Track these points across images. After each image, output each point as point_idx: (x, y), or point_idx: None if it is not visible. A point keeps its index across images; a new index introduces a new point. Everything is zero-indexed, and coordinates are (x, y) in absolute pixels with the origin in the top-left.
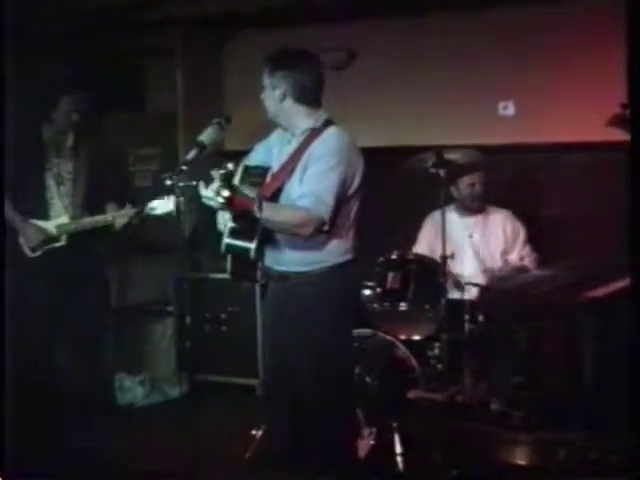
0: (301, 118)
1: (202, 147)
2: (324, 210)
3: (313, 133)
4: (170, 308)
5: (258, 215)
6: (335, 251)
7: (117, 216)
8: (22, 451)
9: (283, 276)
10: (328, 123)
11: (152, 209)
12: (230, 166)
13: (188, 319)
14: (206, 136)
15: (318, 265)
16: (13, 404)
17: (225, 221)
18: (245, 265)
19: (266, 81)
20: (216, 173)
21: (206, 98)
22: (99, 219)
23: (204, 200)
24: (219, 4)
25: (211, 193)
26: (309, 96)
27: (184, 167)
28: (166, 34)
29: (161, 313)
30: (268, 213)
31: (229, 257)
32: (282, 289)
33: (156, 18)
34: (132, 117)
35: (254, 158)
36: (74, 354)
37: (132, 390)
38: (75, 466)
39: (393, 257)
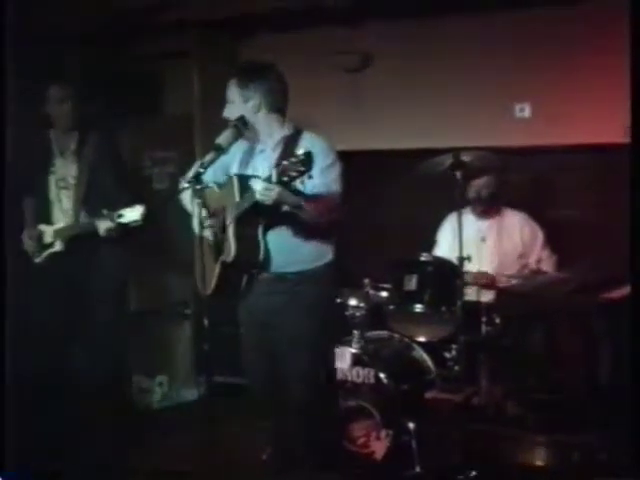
0: (275, 127)
1: (220, 150)
2: (339, 199)
3: (290, 139)
4: (188, 311)
5: (304, 206)
6: (330, 248)
7: (95, 221)
8: (36, 452)
9: (280, 278)
10: (299, 130)
11: (120, 216)
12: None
13: (206, 321)
14: (224, 139)
15: (316, 263)
16: (28, 406)
17: (211, 229)
18: (233, 277)
19: (235, 95)
20: (294, 158)
21: (223, 101)
22: (84, 225)
23: (263, 194)
24: (235, 7)
25: (273, 188)
26: (281, 105)
27: (202, 170)
28: (182, 37)
29: (179, 316)
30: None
31: (218, 272)
32: (279, 291)
33: (172, 21)
34: (149, 120)
35: (209, 177)
36: (92, 356)
37: (150, 392)
38: (91, 468)
39: (410, 259)
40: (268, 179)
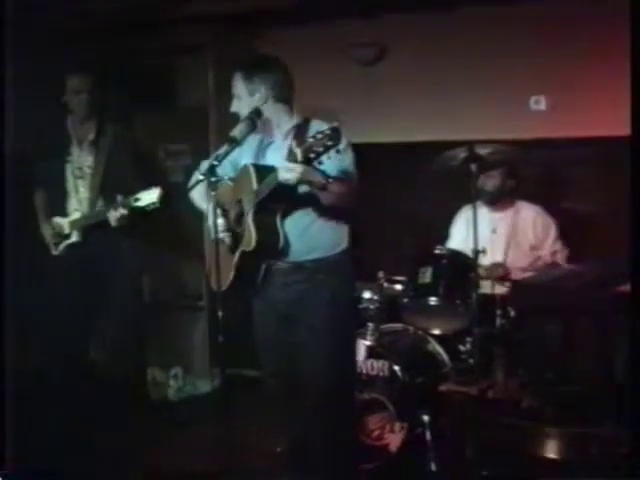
0: (283, 117)
1: (235, 142)
2: (356, 182)
3: (300, 128)
4: (203, 302)
5: (327, 185)
6: (345, 236)
7: (108, 209)
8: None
9: (298, 267)
10: (307, 119)
11: (136, 200)
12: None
13: (221, 313)
14: (238, 131)
15: (333, 251)
16: (33, 403)
17: (223, 226)
18: (251, 268)
19: (241, 90)
20: (319, 134)
21: None
22: (98, 213)
23: (287, 173)
24: (249, 0)
25: (297, 167)
26: (288, 95)
27: (216, 162)
28: (198, 30)
29: (194, 308)
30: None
31: (235, 264)
32: (298, 280)
33: (188, 15)
34: (164, 113)
35: (221, 172)
36: (107, 349)
37: (165, 384)
38: (105, 461)
39: (424, 252)
40: (292, 158)
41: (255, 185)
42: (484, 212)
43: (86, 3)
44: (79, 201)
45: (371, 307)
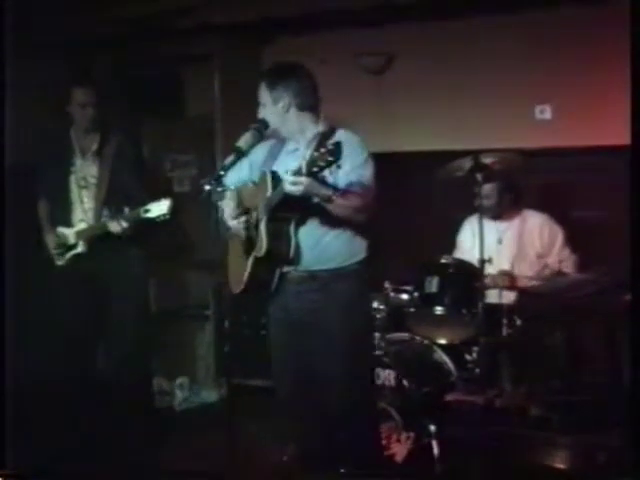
0: (307, 124)
1: (240, 152)
2: (371, 196)
3: (323, 137)
4: (209, 312)
5: (334, 198)
6: (362, 246)
7: (113, 221)
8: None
9: (311, 276)
10: (333, 128)
11: (146, 211)
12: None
13: (227, 323)
14: (244, 142)
15: (348, 262)
16: (41, 404)
17: (244, 225)
18: (264, 274)
19: (265, 97)
20: (323, 149)
21: (243, 103)
22: (103, 224)
23: (292, 185)
24: (257, 9)
25: (302, 180)
26: (312, 103)
27: (222, 173)
28: (204, 40)
29: (200, 317)
30: (341, 199)
31: (249, 269)
32: (311, 289)
33: (193, 25)
34: (170, 123)
35: (235, 177)
36: (112, 358)
37: (171, 394)
38: (110, 470)
39: (430, 261)
40: (298, 171)
41: (269, 192)
42: (490, 222)
43: (91, 13)
44: (84, 211)
45: (377, 316)
